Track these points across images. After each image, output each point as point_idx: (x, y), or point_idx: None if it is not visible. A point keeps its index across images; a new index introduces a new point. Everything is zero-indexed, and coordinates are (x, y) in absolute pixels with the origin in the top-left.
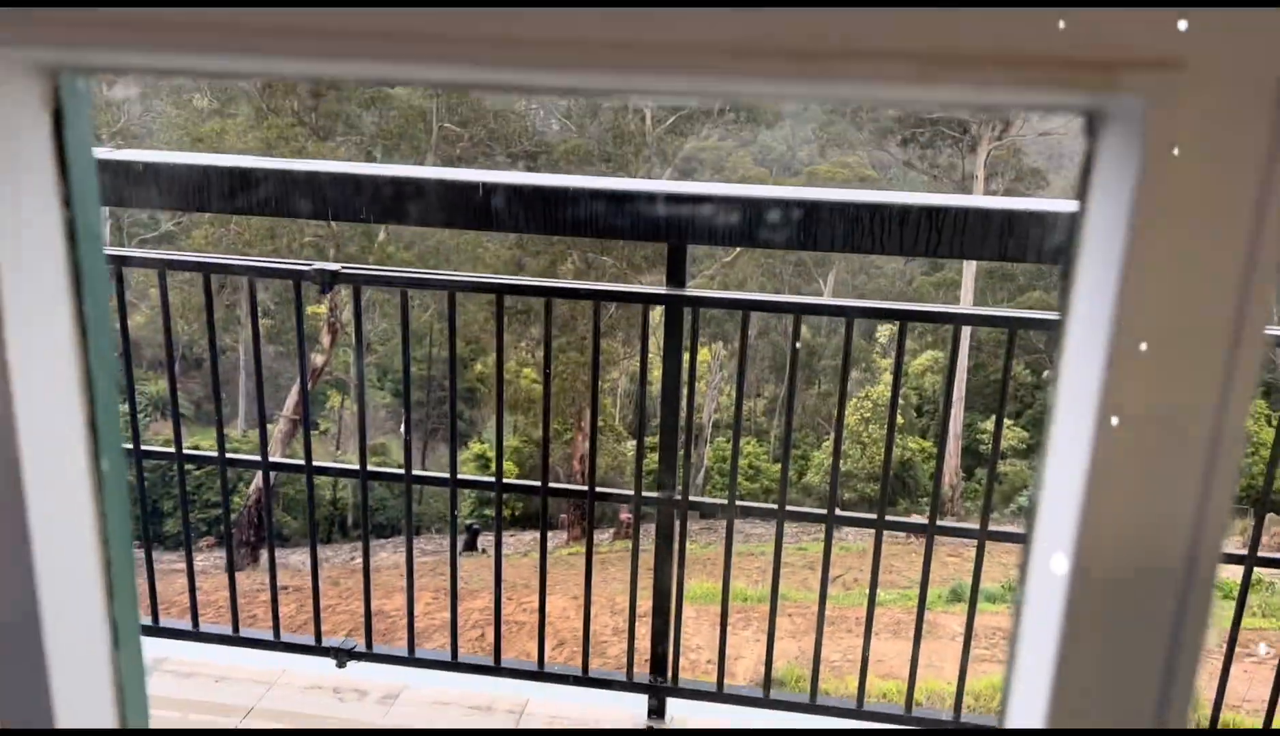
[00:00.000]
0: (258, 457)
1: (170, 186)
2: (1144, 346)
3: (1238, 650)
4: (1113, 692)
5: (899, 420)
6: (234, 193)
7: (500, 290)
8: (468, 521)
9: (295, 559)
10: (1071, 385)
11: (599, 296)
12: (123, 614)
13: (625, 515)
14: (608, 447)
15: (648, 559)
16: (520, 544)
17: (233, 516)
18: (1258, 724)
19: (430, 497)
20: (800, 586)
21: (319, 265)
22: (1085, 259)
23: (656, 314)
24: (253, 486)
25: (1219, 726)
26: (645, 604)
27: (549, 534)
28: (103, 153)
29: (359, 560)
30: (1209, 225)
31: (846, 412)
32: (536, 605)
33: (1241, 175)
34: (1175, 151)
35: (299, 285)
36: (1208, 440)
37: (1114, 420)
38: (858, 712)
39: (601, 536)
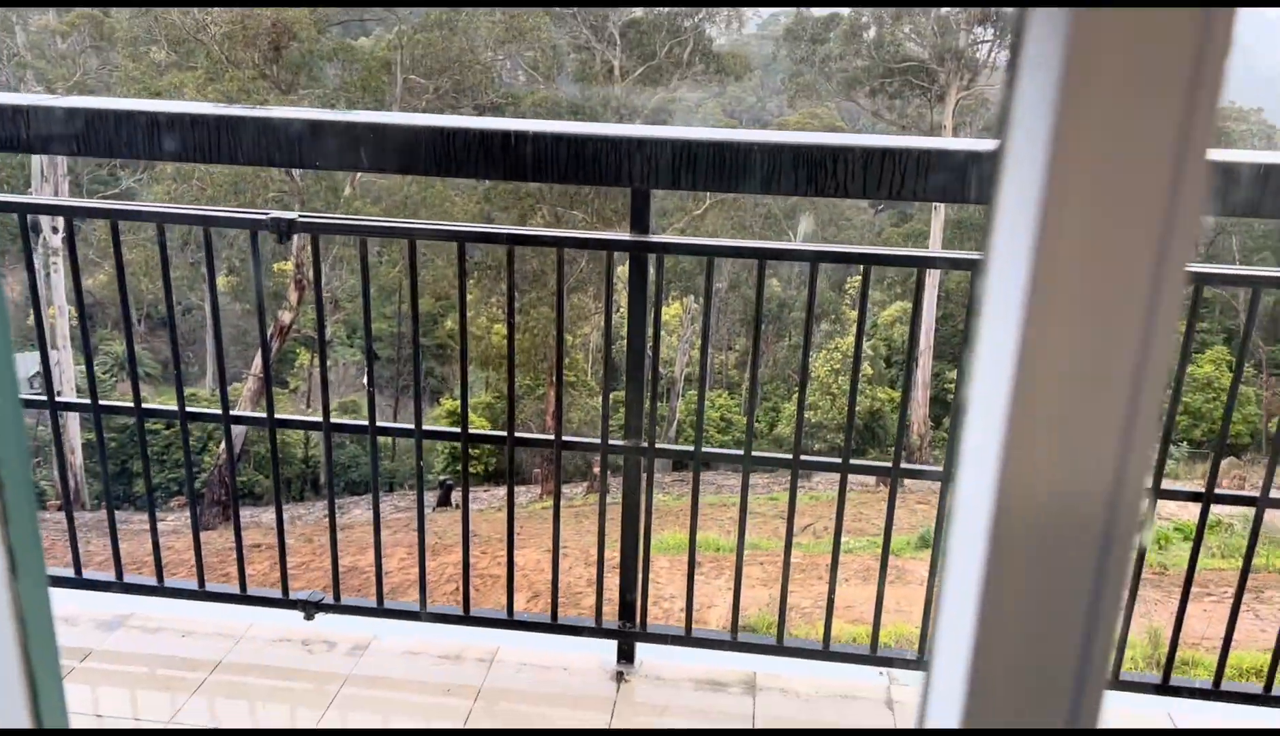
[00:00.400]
0: (218, 411)
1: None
2: (1066, 276)
3: (1196, 589)
4: (1036, 639)
5: (868, 370)
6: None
7: (462, 238)
8: (441, 477)
9: (269, 517)
10: (993, 323)
11: (562, 243)
12: (20, 541)
13: (599, 467)
14: (580, 402)
15: (616, 510)
16: (495, 498)
17: (204, 476)
18: (1213, 661)
19: (404, 454)
20: (772, 535)
21: (275, 214)
22: (1008, 171)
23: (624, 270)
24: (223, 445)
25: (1175, 660)
26: (617, 557)
27: (524, 488)
28: None
29: None
30: (1137, 120)
31: (817, 364)
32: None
33: (1173, 60)
34: (1101, 37)
35: (255, 235)
36: (1130, 375)
37: (1034, 357)
38: (824, 654)
39: (576, 489)
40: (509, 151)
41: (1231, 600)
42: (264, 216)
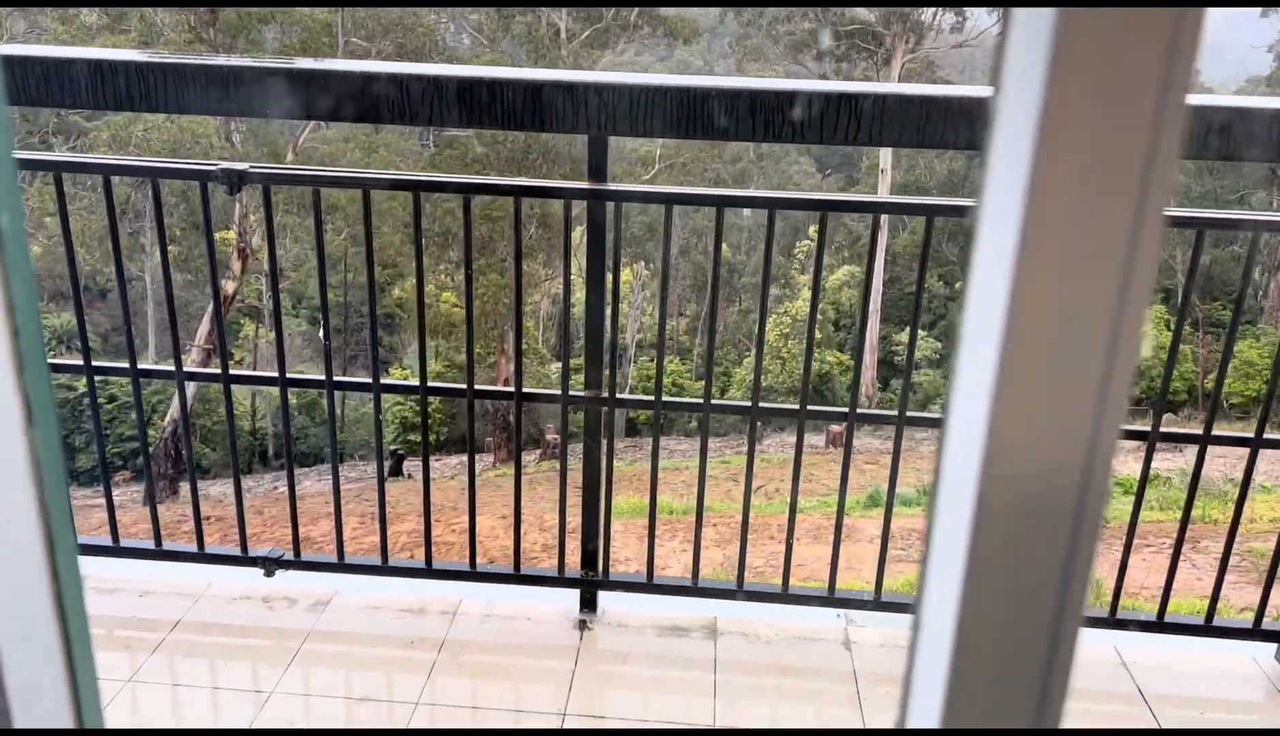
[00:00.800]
0: (171, 368)
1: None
2: (1053, 227)
3: (1136, 541)
4: (1016, 588)
5: (817, 334)
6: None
7: (416, 187)
8: (392, 447)
9: (216, 490)
10: (982, 276)
11: (519, 192)
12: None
13: (552, 434)
14: (532, 370)
15: (576, 477)
16: (447, 468)
17: (150, 450)
18: (1154, 608)
19: (354, 424)
20: (724, 497)
21: (225, 165)
22: (997, 141)
23: (578, 235)
24: (168, 418)
25: (1119, 608)
26: (574, 521)
27: (477, 457)
28: None
29: (283, 489)
30: (1119, 86)
31: (768, 329)
32: (465, 525)
33: (1152, 26)
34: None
35: (205, 187)
36: (1110, 327)
37: (1022, 303)
38: (783, 597)
39: (529, 457)
40: (464, 98)
41: (1170, 551)
42: (214, 168)
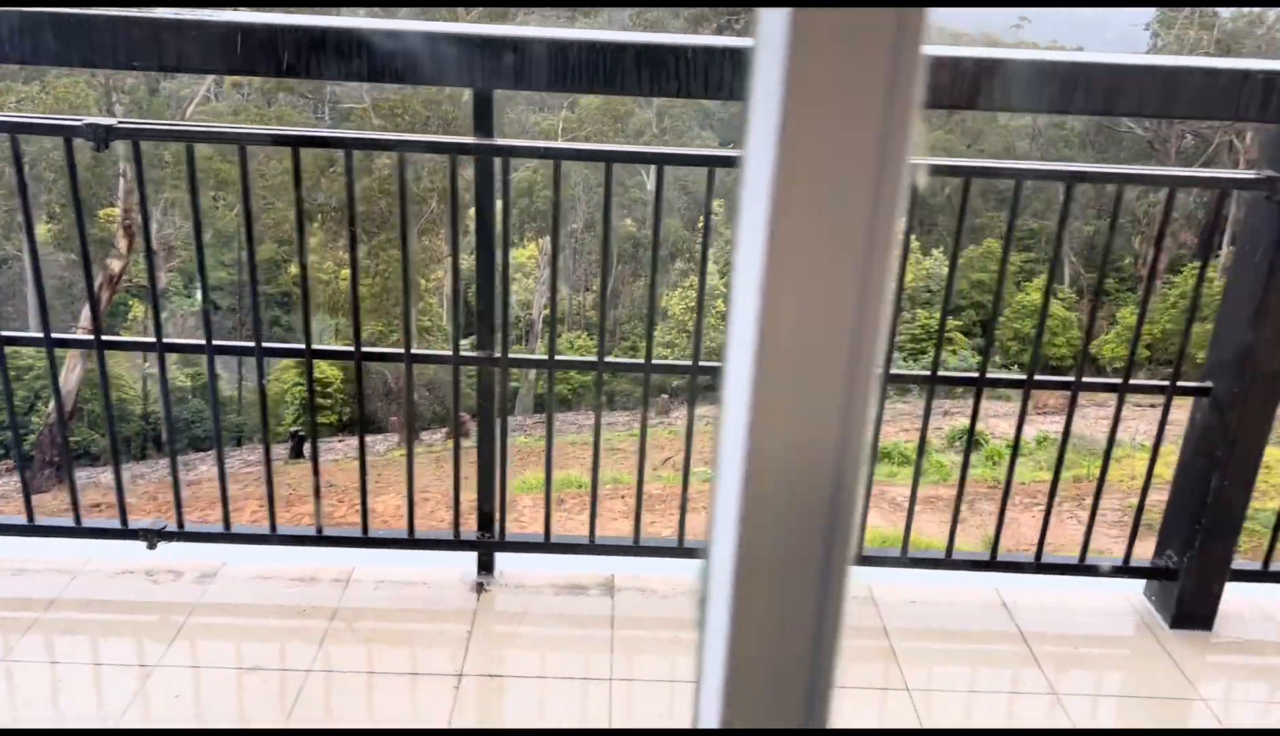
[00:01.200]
0: (39, 334)
1: None
2: (802, 177)
3: (1027, 500)
4: (785, 548)
5: (720, 307)
6: None
7: (296, 142)
8: (292, 428)
9: (107, 478)
10: (746, 229)
11: (403, 147)
12: None
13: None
14: (437, 347)
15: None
16: (350, 449)
17: (33, 438)
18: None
19: (250, 408)
20: (631, 471)
21: (91, 120)
22: (756, 91)
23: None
24: (51, 405)
25: (998, 553)
26: (471, 498)
27: (380, 437)
28: None
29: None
30: (854, 48)
31: (673, 302)
32: (370, 506)
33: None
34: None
35: (70, 142)
36: (859, 276)
37: (777, 259)
38: (679, 551)
39: (435, 436)
40: (344, 52)
41: (1058, 507)
42: (80, 123)
